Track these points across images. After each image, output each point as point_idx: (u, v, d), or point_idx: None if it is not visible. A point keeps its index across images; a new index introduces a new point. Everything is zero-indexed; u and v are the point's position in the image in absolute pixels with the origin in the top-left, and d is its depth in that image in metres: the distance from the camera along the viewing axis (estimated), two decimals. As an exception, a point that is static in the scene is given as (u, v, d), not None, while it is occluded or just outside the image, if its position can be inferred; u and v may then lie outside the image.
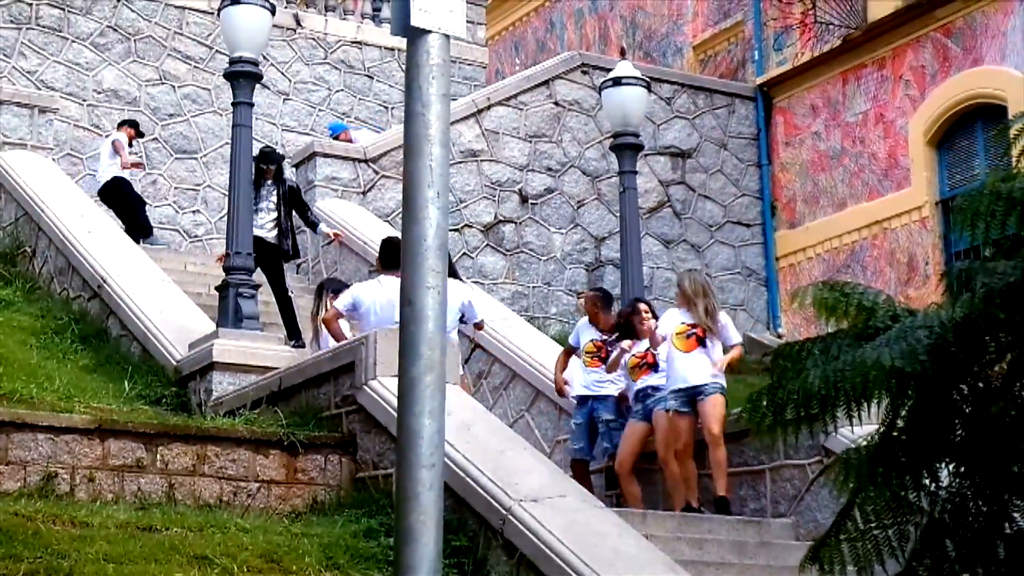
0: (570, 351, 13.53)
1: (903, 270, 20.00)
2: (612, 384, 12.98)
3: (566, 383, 13.54)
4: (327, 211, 18.48)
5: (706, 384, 12.04)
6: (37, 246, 16.97)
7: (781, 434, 7.12)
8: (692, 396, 12.07)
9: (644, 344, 12.72)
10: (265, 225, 15.59)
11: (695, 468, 12.03)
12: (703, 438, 12.04)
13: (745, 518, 11.79)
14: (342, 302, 12.76)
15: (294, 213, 16.06)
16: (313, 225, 16.44)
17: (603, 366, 13.01)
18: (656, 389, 12.40)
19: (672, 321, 12.52)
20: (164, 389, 13.45)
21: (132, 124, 20.23)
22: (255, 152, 15.24)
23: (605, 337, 13.18)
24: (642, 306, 13.06)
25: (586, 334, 13.40)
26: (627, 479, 12.37)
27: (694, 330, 12.34)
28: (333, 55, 24.60)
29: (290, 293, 16.09)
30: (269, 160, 15.88)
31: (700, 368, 12.14)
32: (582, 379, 13.23)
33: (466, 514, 9.79)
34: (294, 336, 15.26)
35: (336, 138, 20.84)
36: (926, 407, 6.57)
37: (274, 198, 15.74)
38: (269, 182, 15.75)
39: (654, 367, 12.62)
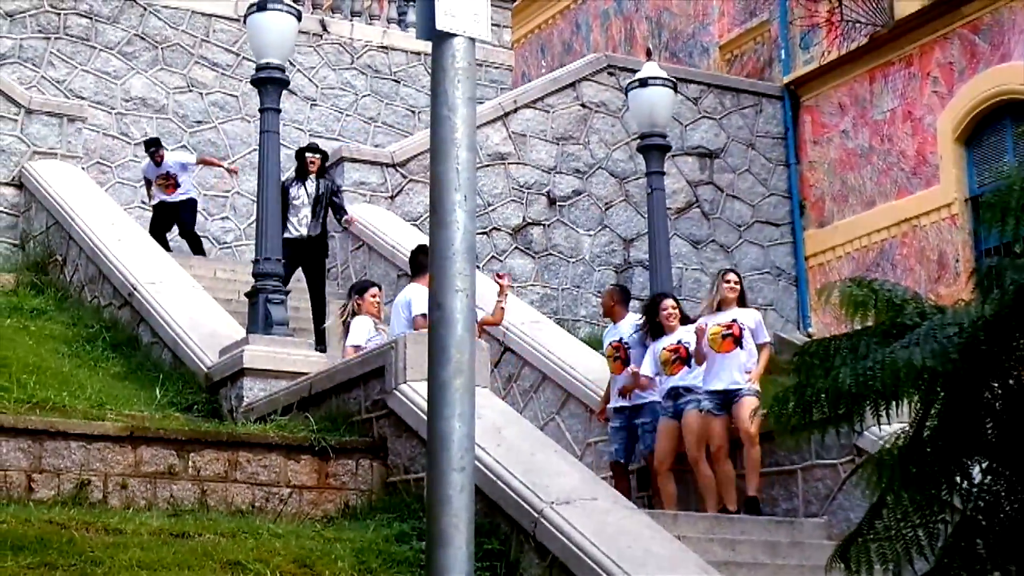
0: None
1: (933, 268, 19.92)
2: (645, 393, 12.90)
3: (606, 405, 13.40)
4: (355, 216, 18.51)
5: (741, 387, 12.01)
6: (68, 255, 17.05)
7: (807, 434, 7.09)
8: (727, 399, 12.05)
9: (675, 337, 12.67)
10: (303, 222, 15.85)
11: (732, 470, 11.98)
12: (737, 438, 12.02)
13: (777, 518, 11.76)
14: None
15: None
16: (341, 220, 16.68)
17: (626, 370, 12.96)
18: (688, 390, 12.34)
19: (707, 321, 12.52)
20: (195, 396, 13.49)
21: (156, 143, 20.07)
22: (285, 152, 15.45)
23: (622, 338, 13.14)
24: (669, 302, 12.98)
25: (607, 338, 13.39)
26: (665, 477, 12.33)
27: (730, 331, 12.32)
28: (359, 60, 24.63)
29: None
30: (313, 149, 16.34)
31: (736, 370, 12.11)
32: (615, 391, 13.13)
33: (498, 517, 9.79)
34: (319, 343, 15.28)
35: None
36: (957, 405, 6.54)
37: (314, 190, 16.08)
38: (312, 177, 16.05)
39: (687, 361, 12.55)
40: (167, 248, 18.70)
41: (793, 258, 22.25)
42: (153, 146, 19.50)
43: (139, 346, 14.90)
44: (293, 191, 16.00)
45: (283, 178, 16.42)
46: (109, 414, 11.59)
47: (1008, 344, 6.40)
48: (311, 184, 16.13)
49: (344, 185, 19.31)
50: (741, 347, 12.26)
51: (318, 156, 16.30)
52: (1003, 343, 6.36)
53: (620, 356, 13.09)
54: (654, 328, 12.82)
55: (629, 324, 13.18)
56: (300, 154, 16.44)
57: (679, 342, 12.63)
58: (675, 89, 16.38)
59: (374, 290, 13.72)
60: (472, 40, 7.00)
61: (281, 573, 8.93)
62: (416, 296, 12.80)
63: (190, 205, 19.42)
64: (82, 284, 16.56)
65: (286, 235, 15.42)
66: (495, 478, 9.86)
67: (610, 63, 21.94)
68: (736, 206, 22.14)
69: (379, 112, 24.58)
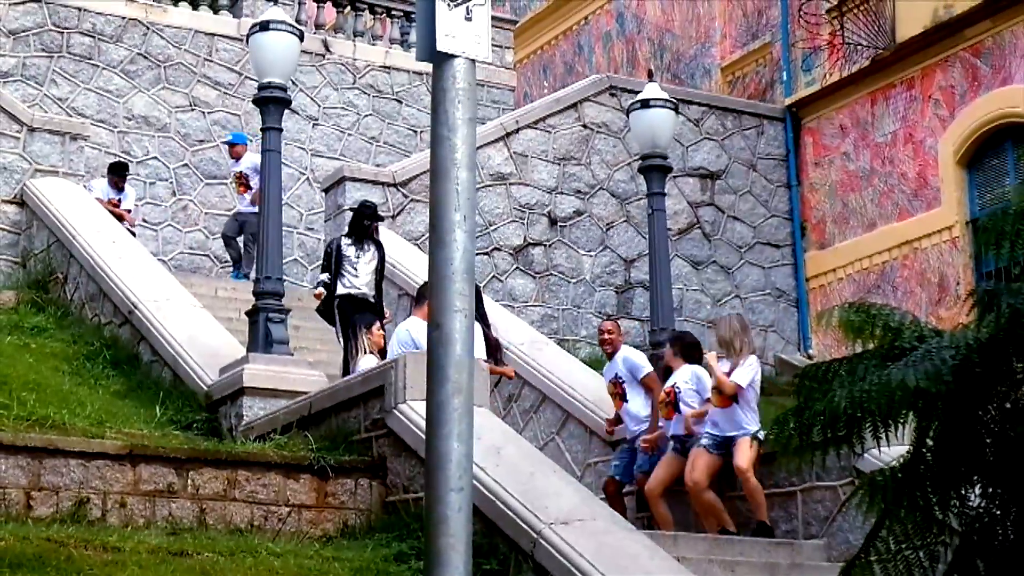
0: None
1: (934, 290, 19.92)
2: (643, 423, 12.96)
3: (617, 423, 13.50)
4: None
5: (738, 432, 11.99)
6: (69, 272, 17.06)
7: (808, 456, 7.10)
8: (725, 442, 12.05)
9: (671, 380, 12.72)
10: (366, 282, 15.22)
11: (715, 500, 11.97)
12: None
13: (777, 540, 11.74)
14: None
15: None
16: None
17: (625, 405, 13.07)
18: (690, 436, 12.35)
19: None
20: (195, 414, 13.50)
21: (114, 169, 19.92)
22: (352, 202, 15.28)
23: (615, 373, 13.17)
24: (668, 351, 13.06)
25: (607, 373, 13.44)
26: (656, 502, 12.33)
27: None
28: (362, 80, 24.69)
29: None
30: (375, 216, 15.70)
31: (734, 420, 12.09)
32: (623, 423, 13.23)
33: (496, 537, 9.78)
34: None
35: (232, 146, 20.20)
36: (953, 427, 6.56)
37: (375, 256, 15.40)
38: (372, 241, 15.50)
39: (676, 406, 12.55)
40: None
41: (794, 280, 22.25)
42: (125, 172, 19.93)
43: (139, 364, 14.90)
44: (351, 250, 15.25)
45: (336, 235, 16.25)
46: (108, 432, 11.60)
47: (1003, 367, 6.41)
48: (369, 249, 15.40)
49: (345, 204, 19.31)
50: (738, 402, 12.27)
51: (376, 225, 15.75)
52: (997, 366, 6.37)
53: (619, 393, 13.22)
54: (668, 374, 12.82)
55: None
56: (360, 215, 15.59)
57: (672, 386, 12.67)
58: (676, 110, 16.38)
59: (378, 323, 13.85)
60: (472, 61, 7.02)
61: (279, 592, 8.94)
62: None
63: None
64: (83, 302, 16.57)
65: (341, 291, 15.04)
66: (494, 498, 9.85)
67: (612, 84, 21.96)
68: (737, 227, 22.14)
69: (381, 132, 24.63)
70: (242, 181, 19.71)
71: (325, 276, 15.20)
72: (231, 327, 15.53)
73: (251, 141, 20.08)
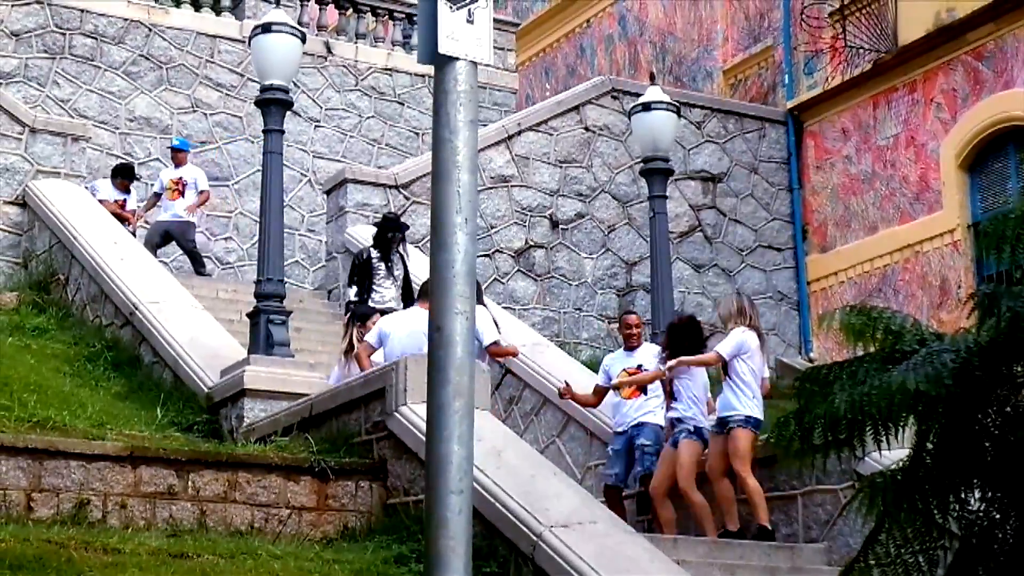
0: (601, 392, 13.42)
1: (935, 294, 19.91)
2: (652, 413, 12.90)
3: (571, 395, 13.67)
4: (358, 237, 18.53)
5: (732, 415, 11.98)
6: (70, 274, 17.06)
7: (809, 459, 7.10)
8: (723, 423, 12.05)
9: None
10: (395, 296, 15.15)
11: (730, 490, 11.95)
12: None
13: (777, 543, 11.73)
14: (371, 336, 12.89)
15: None
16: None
17: (642, 395, 12.96)
18: (680, 420, 12.35)
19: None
20: (196, 416, 13.50)
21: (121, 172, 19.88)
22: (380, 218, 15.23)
23: (639, 364, 13.14)
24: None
25: (617, 364, 13.34)
26: (661, 502, 12.31)
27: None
28: (364, 82, 24.69)
29: None
30: (399, 227, 15.62)
31: (725, 400, 12.14)
32: (622, 414, 13.10)
33: (496, 540, 9.78)
34: None
35: (176, 151, 20.20)
36: (953, 431, 6.55)
37: (401, 271, 15.37)
38: (397, 254, 15.42)
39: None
40: None
41: (795, 283, 22.24)
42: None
43: (140, 366, 14.90)
44: (380, 265, 15.21)
45: (363, 246, 16.11)
46: (109, 434, 11.60)
47: (1003, 370, 6.41)
48: (396, 262, 15.39)
49: (347, 207, 19.36)
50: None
51: (401, 236, 15.57)
52: (998, 369, 6.37)
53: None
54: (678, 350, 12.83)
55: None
56: (383, 229, 15.53)
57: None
58: (678, 113, 16.40)
59: (376, 317, 13.79)
60: (474, 64, 7.03)
61: (279, 594, 8.94)
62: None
63: None
64: (84, 303, 16.57)
65: (372, 304, 14.85)
66: (494, 500, 9.85)
67: (614, 87, 21.96)
68: (739, 230, 22.14)
69: (383, 133, 24.62)
70: (178, 188, 19.56)
71: (353, 292, 15.17)
72: (232, 329, 15.53)
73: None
